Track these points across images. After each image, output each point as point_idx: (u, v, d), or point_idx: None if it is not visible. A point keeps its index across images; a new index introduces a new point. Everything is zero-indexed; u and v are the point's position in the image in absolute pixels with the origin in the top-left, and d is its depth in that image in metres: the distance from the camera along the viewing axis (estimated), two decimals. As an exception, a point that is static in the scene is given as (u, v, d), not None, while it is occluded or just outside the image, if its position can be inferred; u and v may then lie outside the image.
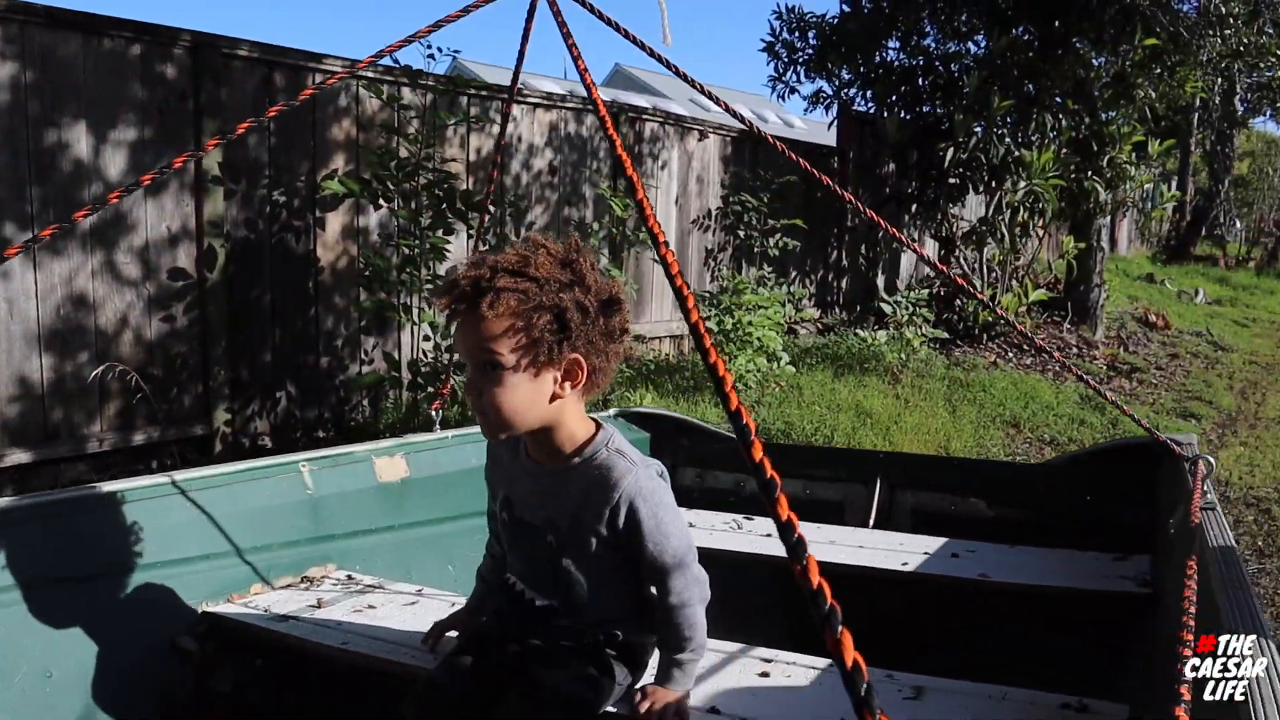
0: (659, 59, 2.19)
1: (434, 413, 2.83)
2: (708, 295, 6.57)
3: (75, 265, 4.26)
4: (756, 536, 2.68)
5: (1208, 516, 2.00)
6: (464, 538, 2.46)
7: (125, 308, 4.44)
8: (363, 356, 5.34)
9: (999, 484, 2.97)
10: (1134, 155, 8.68)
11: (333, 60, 5.05)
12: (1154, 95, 8.23)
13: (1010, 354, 8.27)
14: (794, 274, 8.55)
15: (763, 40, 9.43)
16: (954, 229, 8.79)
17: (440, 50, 5.27)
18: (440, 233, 4.58)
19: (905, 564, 2.38)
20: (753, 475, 0.89)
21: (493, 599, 1.74)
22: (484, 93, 5.69)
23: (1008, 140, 7.80)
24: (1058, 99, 8.22)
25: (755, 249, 7.37)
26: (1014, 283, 8.94)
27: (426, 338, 4.88)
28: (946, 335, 8.10)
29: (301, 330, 5.07)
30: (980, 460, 3.51)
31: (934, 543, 2.53)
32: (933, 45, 9.11)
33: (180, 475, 2.14)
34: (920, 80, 8.90)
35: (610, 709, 1.59)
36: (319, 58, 5.00)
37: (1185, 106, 12.53)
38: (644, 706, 1.54)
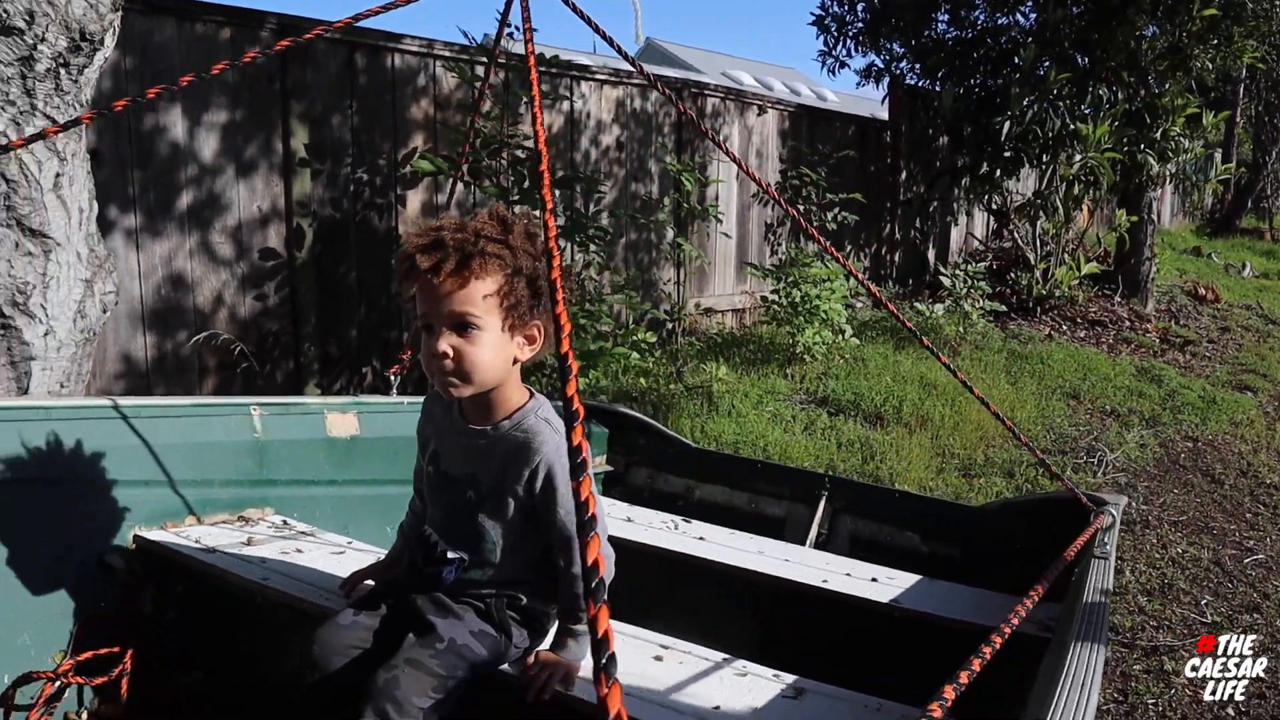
0: (624, 55, 2.31)
1: (391, 376, 2.83)
2: (772, 269, 6.64)
3: (174, 246, 4.38)
4: (689, 539, 2.73)
5: (1096, 565, 2.07)
6: (406, 501, 2.55)
7: (220, 286, 4.57)
8: (441, 332, 5.45)
9: (936, 521, 3.01)
10: (1187, 126, 8.64)
11: (411, 40, 5.13)
12: (1210, 66, 8.17)
13: (1064, 327, 8.29)
14: (849, 248, 8.59)
15: (812, 14, 9.43)
16: (1008, 202, 8.79)
17: (515, 29, 5.32)
18: (526, 207, 4.68)
19: (825, 581, 2.42)
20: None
21: (409, 551, 1.79)
22: (554, 70, 5.76)
23: (1064, 113, 7.77)
24: (1111, 70, 8.18)
25: (814, 223, 7.42)
26: (1066, 256, 8.94)
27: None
28: (1003, 308, 8.13)
29: (385, 306, 5.19)
30: (921, 496, 3.62)
31: (859, 566, 2.57)
32: (982, 18, 9.08)
33: (131, 401, 2.21)
34: (973, 53, 8.88)
35: (505, 669, 1.64)
36: (397, 37, 5.09)
37: (1234, 77, 12.40)
38: (533, 670, 1.60)
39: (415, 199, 5.25)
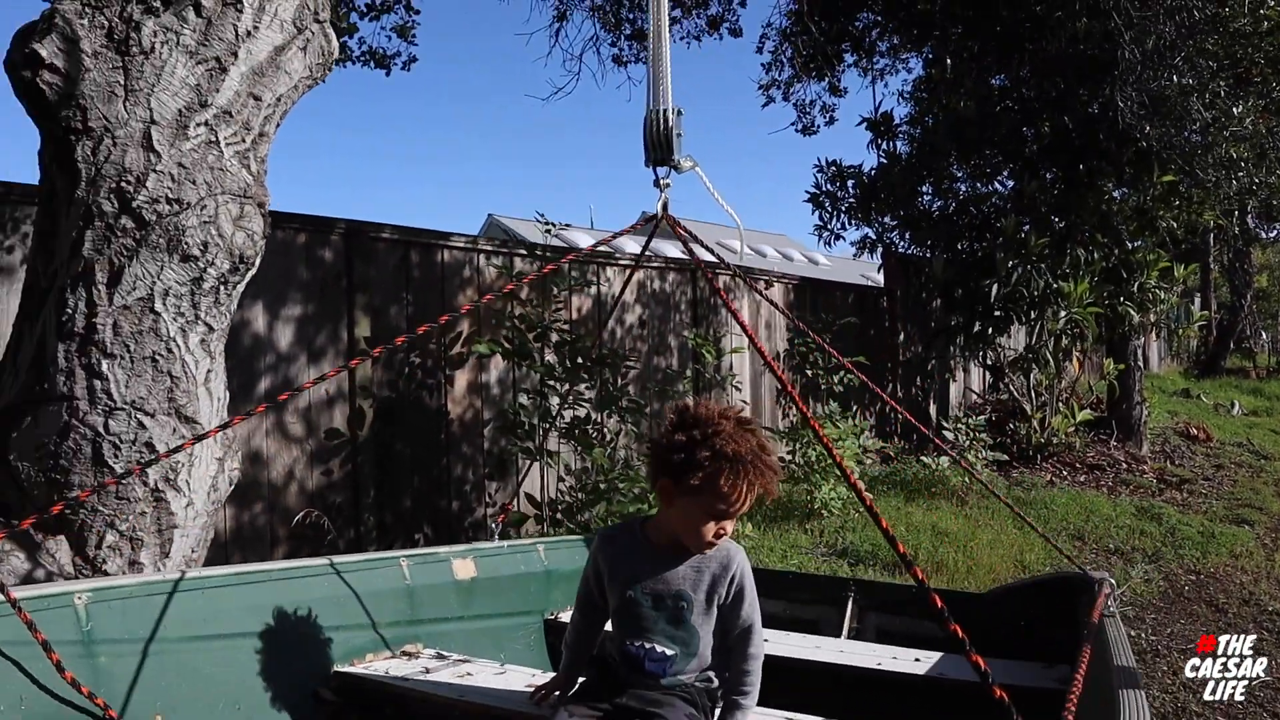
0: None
1: (493, 525, 3.25)
2: (784, 431, 7.11)
3: (253, 426, 4.86)
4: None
5: (1107, 622, 2.53)
6: (515, 631, 3.04)
7: (292, 463, 5.02)
8: (486, 499, 5.88)
9: (951, 609, 3.44)
10: (1161, 279, 9.32)
11: (458, 237, 5.77)
12: (1175, 225, 8.91)
13: (1065, 472, 8.70)
14: (854, 408, 9.09)
15: (807, 192, 10.21)
16: (1001, 358, 9.35)
17: (553, 224, 5.95)
18: (569, 385, 5.18)
19: (879, 664, 2.88)
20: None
21: (604, 662, 2.18)
22: (583, 257, 6.38)
23: (1046, 274, 8.42)
24: (1086, 232, 8.90)
25: (821, 386, 7.95)
26: (1061, 404, 9.44)
27: (561, 478, 5.43)
28: (1005, 457, 8.56)
29: (435, 477, 5.63)
30: (936, 589, 4.09)
31: (899, 651, 3.02)
32: (964, 190, 9.87)
33: (313, 561, 2.68)
34: (956, 220, 9.63)
35: None
36: (446, 235, 5.72)
37: (1202, 231, 13.25)
38: None
39: (462, 378, 5.77)
